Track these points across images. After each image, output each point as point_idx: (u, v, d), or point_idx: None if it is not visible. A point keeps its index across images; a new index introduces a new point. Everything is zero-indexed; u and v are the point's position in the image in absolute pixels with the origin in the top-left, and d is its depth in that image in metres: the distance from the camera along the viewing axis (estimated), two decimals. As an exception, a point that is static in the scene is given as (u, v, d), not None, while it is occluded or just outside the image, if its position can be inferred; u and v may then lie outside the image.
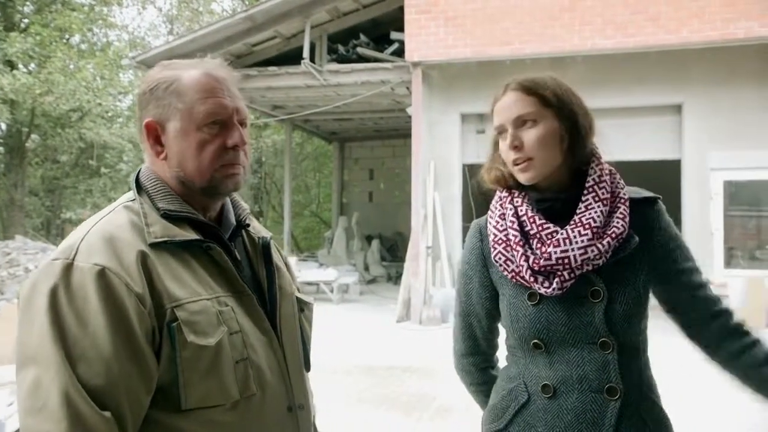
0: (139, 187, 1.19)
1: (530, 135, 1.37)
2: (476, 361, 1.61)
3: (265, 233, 1.35)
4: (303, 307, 1.34)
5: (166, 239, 1.09)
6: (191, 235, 1.14)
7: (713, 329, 1.41)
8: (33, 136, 16.74)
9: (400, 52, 10.04)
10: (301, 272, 11.66)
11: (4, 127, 16.21)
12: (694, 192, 8.88)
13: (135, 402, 1.00)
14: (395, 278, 13.58)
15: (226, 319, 1.10)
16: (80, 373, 0.96)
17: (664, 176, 10.52)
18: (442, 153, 9.57)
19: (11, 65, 14.62)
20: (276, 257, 1.33)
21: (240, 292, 1.17)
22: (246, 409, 1.11)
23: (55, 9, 16.51)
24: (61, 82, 13.73)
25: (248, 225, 1.30)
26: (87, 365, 0.96)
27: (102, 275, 1.00)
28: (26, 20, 16.40)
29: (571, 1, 8.71)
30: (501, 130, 1.42)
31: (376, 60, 10.44)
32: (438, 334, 8.25)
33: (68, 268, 1.01)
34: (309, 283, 11.71)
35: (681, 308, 1.44)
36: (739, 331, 1.39)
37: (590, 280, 1.36)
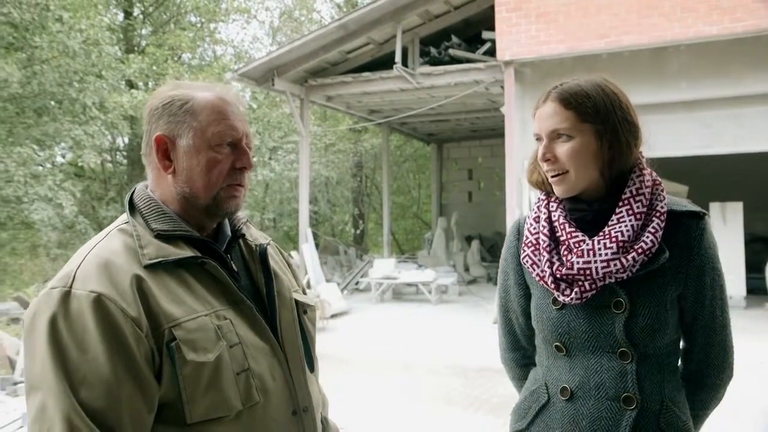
0: (133, 208, 1.22)
1: (563, 149, 1.36)
2: (516, 357, 1.64)
3: (263, 240, 1.38)
4: (305, 309, 1.38)
5: (160, 260, 1.13)
6: (185, 252, 1.16)
7: (693, 364, 1.43)
8: (151, 148, 17.98)
9: (492, 52, 9.94)
10: (401, 273, 11.78)
11: (126, 141, 17.52)
12: (817, 185, 8.19)
13: (137, 421, 1.05)
14: (495, 279, 13.44)
15: (225, 333, 1.14)
16: (82, 397, 1.01)
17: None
18: (537, 151, 9.38)
19: (131, 85, 15.79)
20: (273, 263, 1.36)
21: (239, 303, 1.20)
22: (251, 418, 1.15)
23: (168, 29, 17.69)
24: (173, 97, 14.61)
25: (243, 235, 1.33)
26: (89, 389, 1.02)
27: (98, 302, 1.04)
28: (144, 42, 17.68)
29: (671, -12, 8.29)
30: (537, 138, 1.43)
31: (468, 60, 10.39)
32: (535, 336, 8.11)
33: (66, 297, 1.05)
34: (408, 284, 11.81)
35: (686, 331, 1.42)
36: (703, 384, 1.42)
37: (614, 291, 1.35)
